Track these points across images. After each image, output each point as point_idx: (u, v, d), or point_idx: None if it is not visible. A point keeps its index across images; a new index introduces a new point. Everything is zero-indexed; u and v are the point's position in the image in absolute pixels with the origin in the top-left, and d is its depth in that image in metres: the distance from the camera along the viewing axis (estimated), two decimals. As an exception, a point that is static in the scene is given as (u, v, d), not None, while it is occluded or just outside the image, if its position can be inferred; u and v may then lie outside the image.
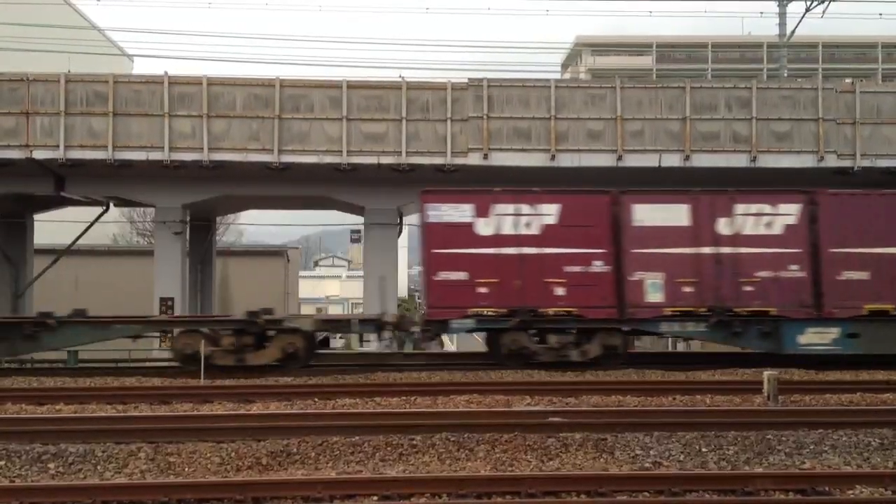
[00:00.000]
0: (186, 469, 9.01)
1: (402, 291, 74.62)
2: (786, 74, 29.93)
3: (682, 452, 9.47)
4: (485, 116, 20.25)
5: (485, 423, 10.41)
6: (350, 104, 20.24)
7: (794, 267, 16.52)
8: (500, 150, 20.35)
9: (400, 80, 20.49)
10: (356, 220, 25.62)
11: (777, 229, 16.63)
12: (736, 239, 16.58)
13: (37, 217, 24.75)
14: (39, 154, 19.80)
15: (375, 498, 7.94)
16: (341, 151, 20.15)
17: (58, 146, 19.71)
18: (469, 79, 20.57)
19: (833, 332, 16.50)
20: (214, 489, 8.04)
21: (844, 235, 16.57)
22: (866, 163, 20.60)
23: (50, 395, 13.12)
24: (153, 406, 12.42)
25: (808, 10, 29.83)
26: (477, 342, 26.46)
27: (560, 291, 16.40)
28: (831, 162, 20.59)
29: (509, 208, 16.56)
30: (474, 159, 20.31)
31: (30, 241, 24.27)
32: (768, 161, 20.56)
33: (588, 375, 15.37)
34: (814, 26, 35.81)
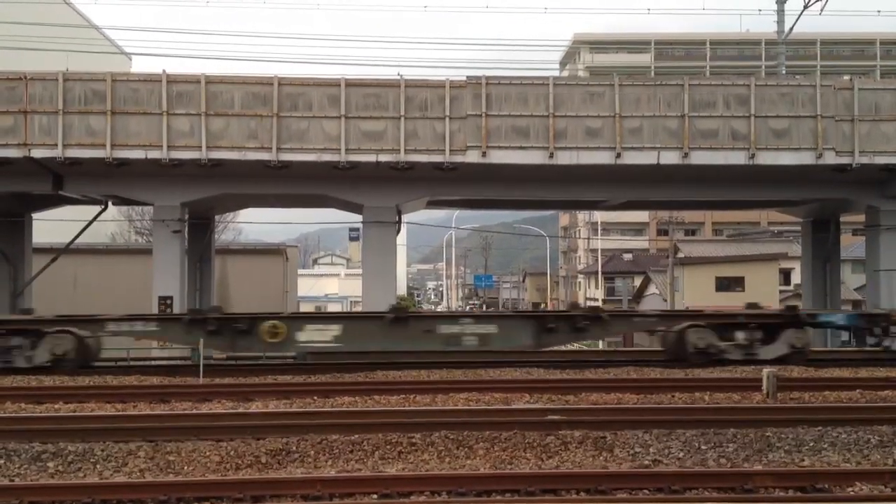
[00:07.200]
0: (186, 468, 9.00)
1: (402, 289, 74.85)
2: (784, 71, 29.90)
3: (681, 450, 9.46)
4: (483, 114, 20.23)
5: (484, 420, 10.41)
6: (348, 102, 20.22)
7: None
8: (499, 147, 20.34)
9: (398, 78, 20.48)
10: (355, 218, 25.57)
11: None
12: None
13: (35, 216, 24.71)
14: (38, 153, 19.76)
15: (375, 496, 7.94)
16: (340, 149, 20.13)
17: (56, 145, 19.67)
18: (467, 77, 20.56)
19: None
20: (214, 488, 8.03)
21: None
22: (864, 159, 20.62)
23: (49, 393, 13.11)
24: (152, 405, 12.40)
25: (806, 6, 29.83)
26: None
27: None
28: (830, 159, 20.60)
29: None
30: (473, 157, 20.30)
31: (28, 240, 24.23)
32: (767, 158, 20.56)
33: (588, 373, 15.38)
34: (812, 23, 35.82)
